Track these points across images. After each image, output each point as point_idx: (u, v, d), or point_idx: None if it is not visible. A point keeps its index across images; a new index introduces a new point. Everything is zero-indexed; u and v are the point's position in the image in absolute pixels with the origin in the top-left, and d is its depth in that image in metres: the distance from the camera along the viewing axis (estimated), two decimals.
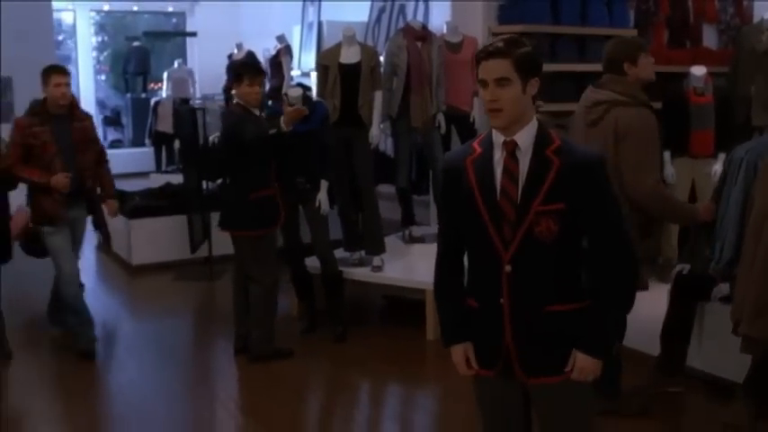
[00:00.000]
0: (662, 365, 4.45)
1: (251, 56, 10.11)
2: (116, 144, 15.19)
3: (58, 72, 5.10)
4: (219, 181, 7.22)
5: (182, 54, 15.39)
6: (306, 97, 5.30)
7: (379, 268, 5.81)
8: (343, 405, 4.80)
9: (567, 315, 2.54)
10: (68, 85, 5.15)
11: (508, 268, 2.50)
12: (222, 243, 7.10)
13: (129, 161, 12.84)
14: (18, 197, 5.51)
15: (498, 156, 2.53)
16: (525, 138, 2.49)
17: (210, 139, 8.20)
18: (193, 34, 15.22)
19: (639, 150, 3.75)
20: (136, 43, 15.40)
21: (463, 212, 2.59)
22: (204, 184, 7.56)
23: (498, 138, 2.53)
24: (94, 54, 16.19)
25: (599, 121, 3.86)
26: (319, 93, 5.99)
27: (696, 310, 4.39)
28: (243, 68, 5.17)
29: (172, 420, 4.52)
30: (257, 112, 5.05)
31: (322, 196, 5.38)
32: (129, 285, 7.36)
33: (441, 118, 6.21)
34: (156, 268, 7.40)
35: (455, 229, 2.67)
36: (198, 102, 11.41)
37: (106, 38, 17.22)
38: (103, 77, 16.89)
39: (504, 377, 2.62)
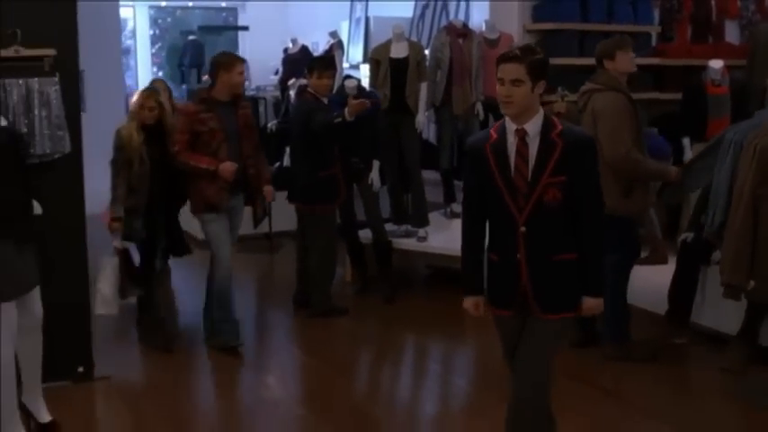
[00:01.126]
0: (670, 319, 5.14)
1: (305, 50, 10.77)
2: None
3: (240, 61, 5.14)
4: (276, 164, 7.96)
5: (233, 48, 15.99)
6: (360, 87, 6.05)
7: (423, 239, 6.57)
8: (392, 351, 5.56)
9: (570, 263, 3.10)
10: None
11: (523, 229, 3.05)
12: (280, 220, 7.90)
13: None
14: None
15: (511, 141, 3.06)
16: (533, 127, 3.04)
17: (269, 126, 8.94)
18: (245, 28, 15.80)
19: (611, 126, 4.53)
20: (191, 37, 16.08)
21: (485, 187, 3.12)
22: None
23: (511, 126, 3.07)
24: (152, 47, 16.96)
25: (584, 107, 4.70)
26: (371, 83, 6.73)
27: (699, 273, 5.06)
28: (314, 62, 5.89)
29: (247, 361, 5.29)
30: (326, 101, 5.74)
31: (374, 175, 6.14)
32: (200, 257, 8.14)
33: (479, 107, 6.91)
34: None
35: (477, 200, 3.19)
36: (252, 92, 12.07)
37: (157, 31, 17.93)
38: (156, 69, 17.60)
39: (517, 315, 3.17)
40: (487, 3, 7.56)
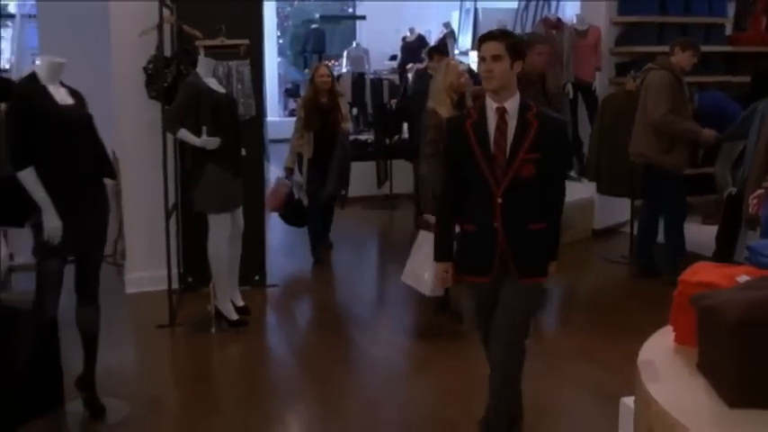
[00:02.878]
0: (716, 258, 6.33)
1: (421, 38, 12.13)
2: (295, 113, 17.48)
3: (541, 42, 5.94)
4: (396, 136, 9.42)
5: (352, 35, 17.30)
6: (470, 70, 7.43)
7: None
8: None
9: (541, 232, 3.34)
10: None
11: (500, 200, 3.24)
12: (399, 183, 9.36)
13: None
14: (277, 171, 7.24)
15: (491, 117, 3.25)
16: (512, 105, 3.24)
17: (389, 104, 10.40)
18: (362, 18, 17.16)
19: (655, 94, 5.86)
20: (314, 26, 17.62)
21: (465, 161, 3.29)
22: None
23: (491, 104, 3.25)
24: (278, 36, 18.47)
25: (641, 82, 6.07)
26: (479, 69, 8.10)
27: (741, 220, 6.23)
28: (432, 49, 7.31)
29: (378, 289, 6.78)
30: None
31: None
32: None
33: (569, 87, 8.20)
34: (352, 200, 8.96)
35: (456, 174, 3.38)
36: (371, 76, 13.43)
37: (277, 19, 19.31)
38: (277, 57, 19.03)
39: (492, 282, 3.36)
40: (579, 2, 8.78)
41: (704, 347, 1.96)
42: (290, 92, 18.06)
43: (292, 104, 17.90)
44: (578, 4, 8.76)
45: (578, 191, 7.28)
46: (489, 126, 3.24)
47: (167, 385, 4.66)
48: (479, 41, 3.29)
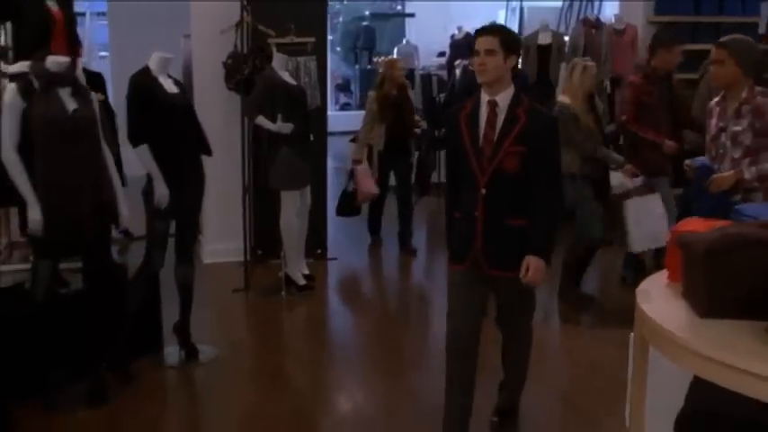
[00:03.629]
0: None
1: (468, 36, 12.65)
2: (346, 107, 17.75)
3: (678, 43, 5.85)
4: (443, 129, 9.99)
5: (401, 32, 17.45)
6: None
7: None
8: None
9: (521, 228, 3.33)
10: None
11: (483, 191, 3.29)
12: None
13: (357, 120, 15.39)
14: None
15: (483, 110, 3.30)
16: (504, 99, 3.29)
17: (438, 98, 11.00)
18: (411, 15, 17.66)
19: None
20: (364, 23, 18.01)
21: (456, 151, 3.40)
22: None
23: (484, 98, 3.31)
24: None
25: (702, 75, 6.54)
26: (522, 65, 8.73)
27: None
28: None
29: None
30: None
31: None
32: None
33: (607, 82, 8.78)
34: None
35: (453, 165, 3.48)
36: (421, 72, 13.94)
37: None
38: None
39: (471, 270, 3.39)
40: (617, 2, 9.35)
41: (684, 275, 2.59)
42: (340, 87, 18.38)
43: (343, 99, 18.51)
44: (617, 3, 9.32)
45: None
46: (481, 118, 3.32)
47: (246, 334, 5.46)
48: (474, 35, 3.36)
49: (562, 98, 5.59)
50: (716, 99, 4.36)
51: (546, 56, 8.52)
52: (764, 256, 2.28)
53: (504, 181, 3.29)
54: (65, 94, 3.82)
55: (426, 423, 3.82)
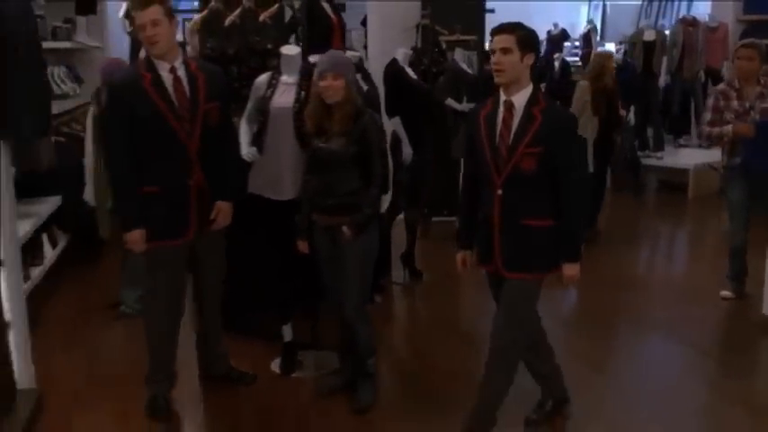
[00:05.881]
0: None
1: (564, 32, 14.01)
2: None
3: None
4: None
5: (480, 28, 18.87)
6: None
7: (660, 158, 9.93)
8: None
9: (539, 229, 3.24)
10: None
11: (499, 192, 3.20)
12: None
13: None
14: None
15: (501, 111, 3.20)
16: (520, 99, 3.16)
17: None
18: (491, 11, 18.88)
19: None
20: None
21: (475, 150, 3.29)
22: None
23: (502, 98, 3.20)
24: None
25: None
26: (630, 57, 10.14)
27: None
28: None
29: None
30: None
31: (631, 115, 9.54)
32: None
33: (702, 74, 10.17)
34: None
35: (472, 164, 3.38)
36: None
37: None
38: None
39: (494, 272, 3.34)
40: (710, 2, 10.71)
41: None
42: None
43: None
44: (709, 3, 10.70)
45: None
46: (498, 118, 3.23)
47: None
48: (491, 34, 3.23)
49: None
50: (721, 86, 5.50)
51: (650, 49, 9.96)
52: None
53: (520, 182, 3.21)
54: None
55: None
